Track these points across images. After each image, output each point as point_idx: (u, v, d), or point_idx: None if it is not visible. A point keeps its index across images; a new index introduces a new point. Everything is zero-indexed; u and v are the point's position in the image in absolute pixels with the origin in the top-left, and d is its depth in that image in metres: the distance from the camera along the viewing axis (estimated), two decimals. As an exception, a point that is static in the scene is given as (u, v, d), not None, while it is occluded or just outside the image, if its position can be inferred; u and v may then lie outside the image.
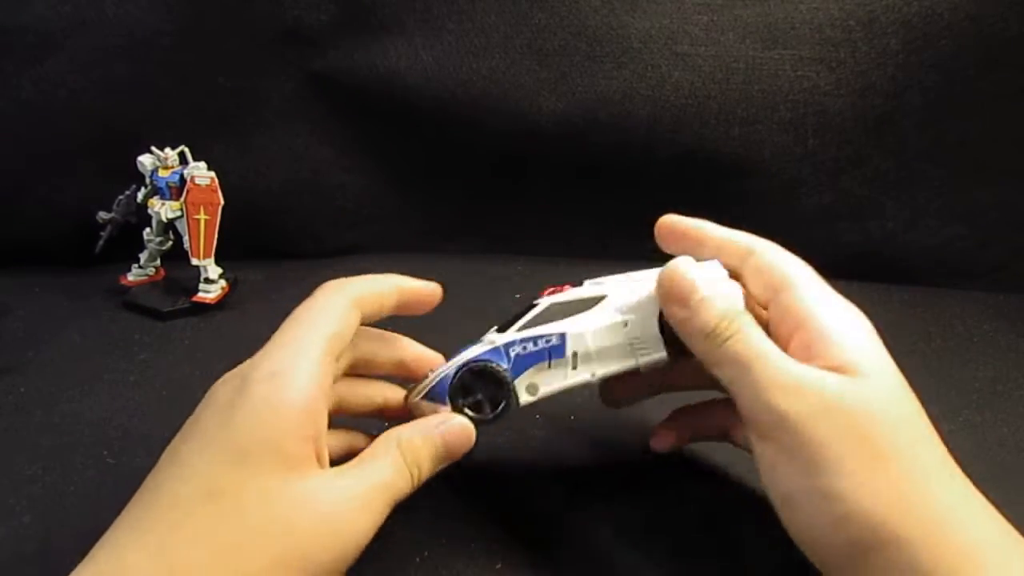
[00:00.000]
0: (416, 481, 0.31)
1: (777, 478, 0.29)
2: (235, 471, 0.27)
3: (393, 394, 0.37)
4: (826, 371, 0.29)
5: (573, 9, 0.64)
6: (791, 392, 0.28)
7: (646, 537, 0.36)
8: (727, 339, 0.30)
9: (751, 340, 0.30)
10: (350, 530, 0.28)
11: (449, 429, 0.32)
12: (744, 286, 0.33)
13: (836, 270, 0.68)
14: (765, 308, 0.33)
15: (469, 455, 0.33)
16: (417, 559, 0.34)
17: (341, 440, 0.35)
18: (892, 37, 0.63)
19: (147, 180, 0.60)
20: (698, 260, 0.33)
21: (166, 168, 0.59)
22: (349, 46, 0.66)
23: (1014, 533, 0.28)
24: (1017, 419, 0.47)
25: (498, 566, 0.34)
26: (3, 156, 0.63)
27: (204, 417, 0.29)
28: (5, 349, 0.52)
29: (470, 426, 0.33)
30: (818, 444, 0.28)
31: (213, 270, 0.59)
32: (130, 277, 0.62)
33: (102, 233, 0.62)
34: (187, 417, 0.30)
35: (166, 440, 0.29)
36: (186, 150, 0.60)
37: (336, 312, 0.32)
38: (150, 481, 0.28)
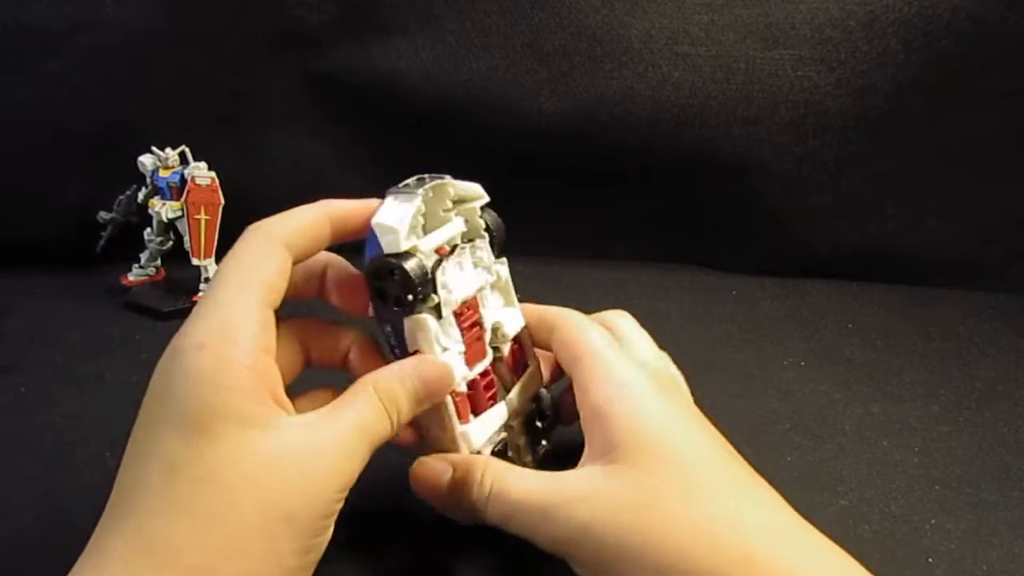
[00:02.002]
0: (396, 424, 0.29)
1: None
2: (191, 443, 0.25)
3: (361, 336, 0.34)
4: (595, 466, 0.30)
5: (573, 9, 0.64)
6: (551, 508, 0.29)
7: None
8: (486, 499, 0.30)
9: (503, 487, 0.30)
10: (330, 478, 0.27)
11: (427, 369, 0.31)
12: (555, 356, 0.35)
13: (836, 270, 0.68)
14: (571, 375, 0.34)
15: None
16: (417, 558, 0.34)
17: (314, 402, 0.32)
18: (892, 37, 0.63)
19: (148, 180, 0.60)
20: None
21: (167, 168, 0.59)
22: (349, 46, 0.66)
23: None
24: (1017, 419, 0.47)
25: (498, 564, 0.34)
26: (3, 156, 0.63)
27: (148, 398, 0.28)
28: (5, 349, 0.52)
29: (447, 365, 0.31)
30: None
31: (213, 270, 0.59)
32: (130, 277, 0.62)
33: (103, 233, 0.62)
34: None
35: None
36: (187, 150, 0.60)
37: (265, 260, 0.30)
38: (120, 474, 0.27)
